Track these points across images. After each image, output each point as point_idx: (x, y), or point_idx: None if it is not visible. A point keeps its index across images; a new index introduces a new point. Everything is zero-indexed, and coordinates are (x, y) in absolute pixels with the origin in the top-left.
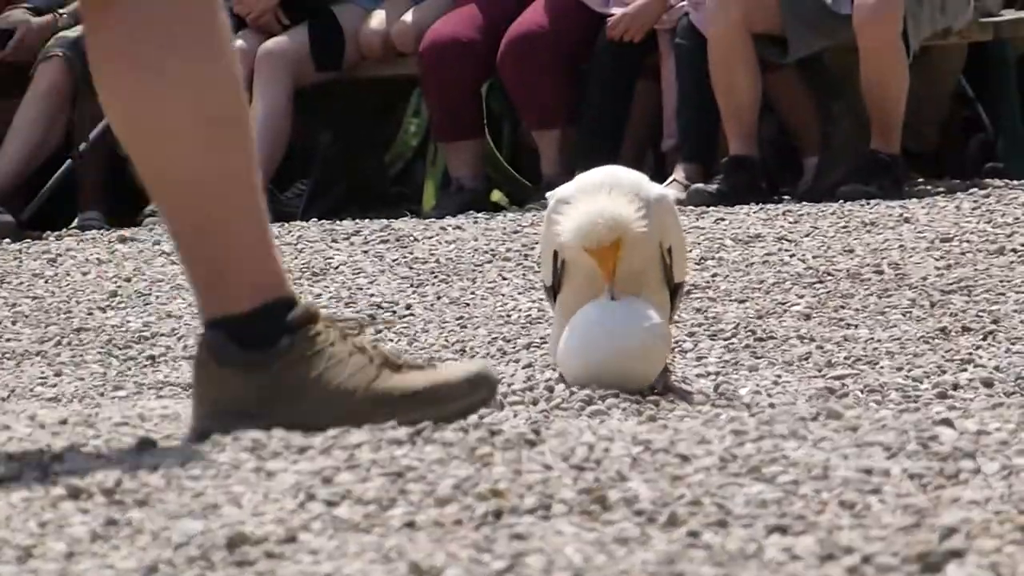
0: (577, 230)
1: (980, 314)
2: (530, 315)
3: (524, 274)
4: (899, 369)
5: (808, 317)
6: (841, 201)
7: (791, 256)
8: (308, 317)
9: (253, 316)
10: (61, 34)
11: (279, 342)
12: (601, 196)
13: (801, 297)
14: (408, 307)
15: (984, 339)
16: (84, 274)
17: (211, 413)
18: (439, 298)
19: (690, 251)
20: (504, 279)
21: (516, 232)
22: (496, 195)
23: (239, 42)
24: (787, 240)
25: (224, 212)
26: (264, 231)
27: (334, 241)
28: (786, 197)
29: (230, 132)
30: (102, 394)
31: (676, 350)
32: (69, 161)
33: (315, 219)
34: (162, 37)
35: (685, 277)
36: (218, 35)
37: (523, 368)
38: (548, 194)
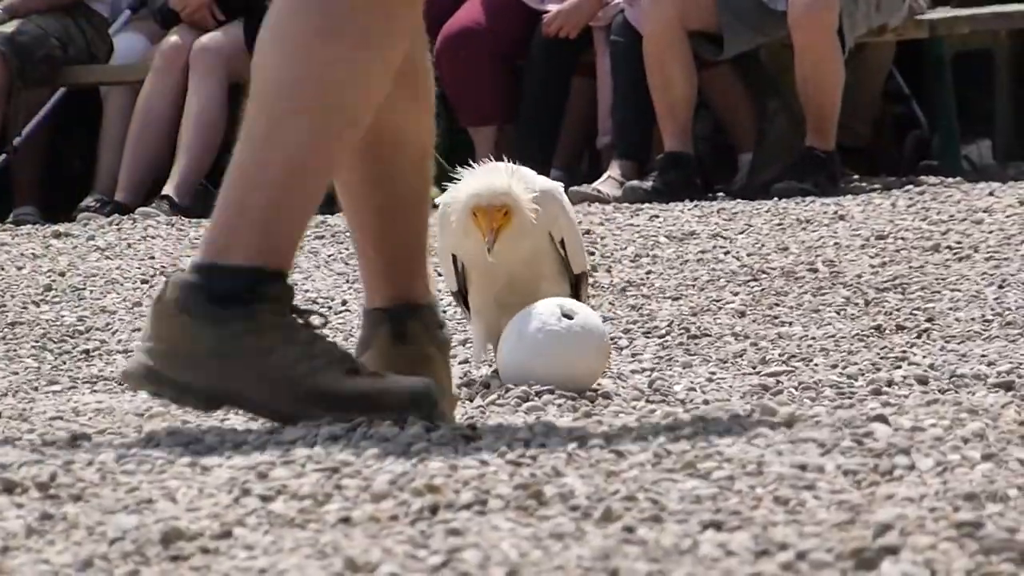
0: (468, 189)
1: (915, 312)
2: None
3: None
4: (834, 366)
5: (743, 314)
6: (776, 198)
7: (726, 253)
8: (287, 297)
9: (239, 272)
10: None
11: (251, 306)
12: (495, 172)
13: (736, 294)
14: (344, 303)
15: (918, 337)
16: (19, 268)
17: (155, 351)
18: None
19: (625, 249)
20: (440, 275)
21: None
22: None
23: (173, 38)
24: (722, 237)
25: (276, 170)
26: (296, 206)
27: None
28: (721, 194)
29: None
30: (36, 388)
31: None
32: (3, 156)
33: None
34: None
35: (585, 268)
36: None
37: (459, 364)
38: (437, 199)
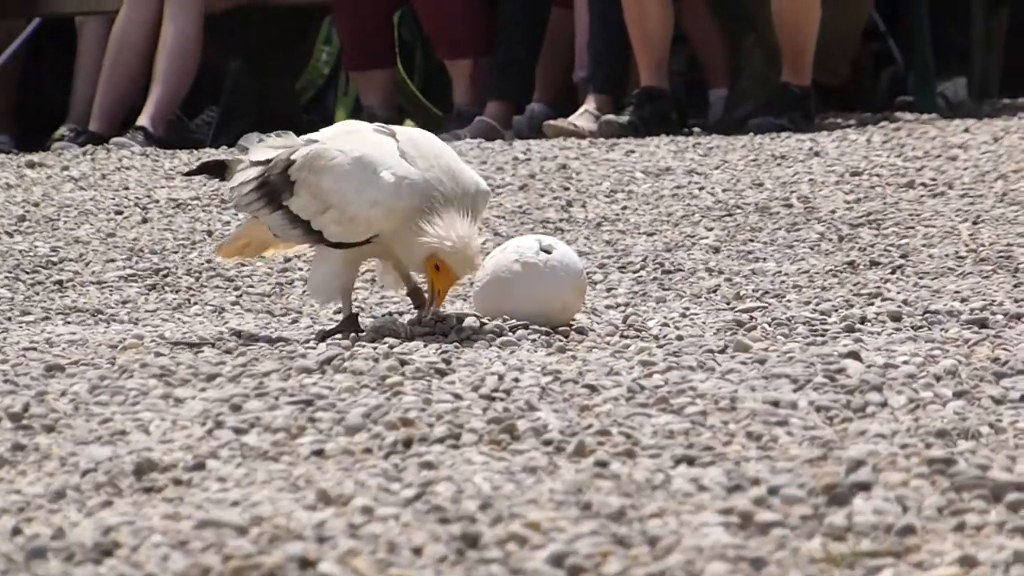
0: (462, 251)
1: (889, 248)
2: None
3: None
4: (807, 303)
5: (717, 250)
6: (751, 134)
7: (700, 189)
8: None
9: None
10: None
11: None
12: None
13: (710, 230)
14: None
15: (892, 273)
16: None
17: None
18: None
19: (600, 184)
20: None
21: None
22: (407, 124)
23: None
24: (697, 173)
25: None
26: None
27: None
28: (696, 130)
29: None
30: (9, 319)
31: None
32: None
33: (224, 146)
34: None
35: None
36: None
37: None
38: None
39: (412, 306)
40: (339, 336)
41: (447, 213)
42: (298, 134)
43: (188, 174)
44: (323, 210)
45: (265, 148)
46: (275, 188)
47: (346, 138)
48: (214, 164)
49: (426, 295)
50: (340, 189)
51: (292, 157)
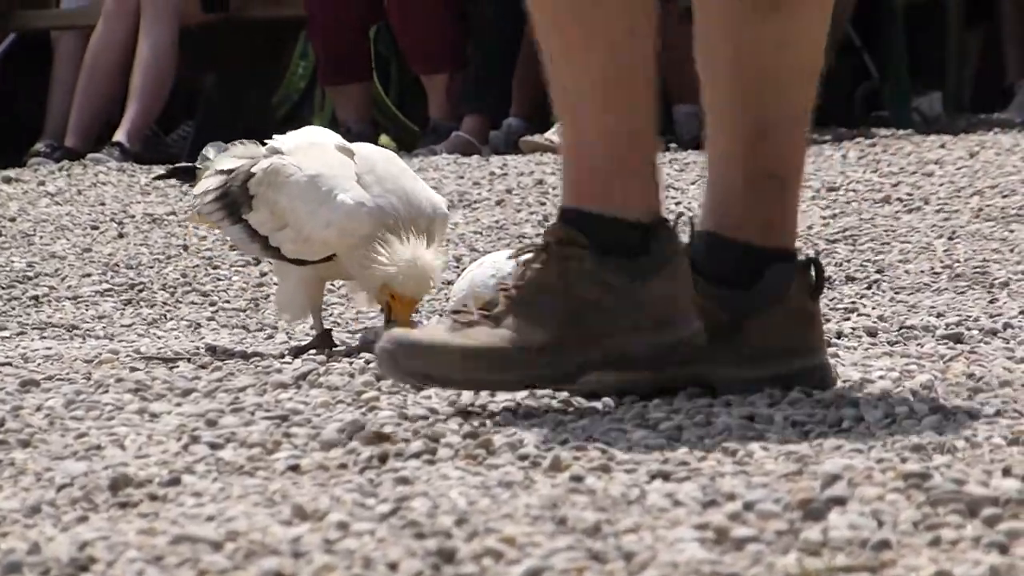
0: (415, 272)
1: (865, 263)
2: None
3: None
4: None
5: None
6: None
7: (677, 204)
8: None
9: None
10: None
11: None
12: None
13: None
14: None
15: (868, 288)
16: None
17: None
18: None
19: None
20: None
21: None
22: (383, 139)
23: None
24: (673, 188)
25: None
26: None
27: None
28: (672, 145)
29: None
30: None
31: None
32: None
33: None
34: None
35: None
36: None
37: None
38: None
39: (384, 321)
40: (313, 351)
41: (396, 239)
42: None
43: (158, 177)
44: (280, 227)
45: (229, 157)
46: (235, 200)
47: (307, 152)
48: (184, 169)
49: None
50: (295, 208)
51: (252, 170)
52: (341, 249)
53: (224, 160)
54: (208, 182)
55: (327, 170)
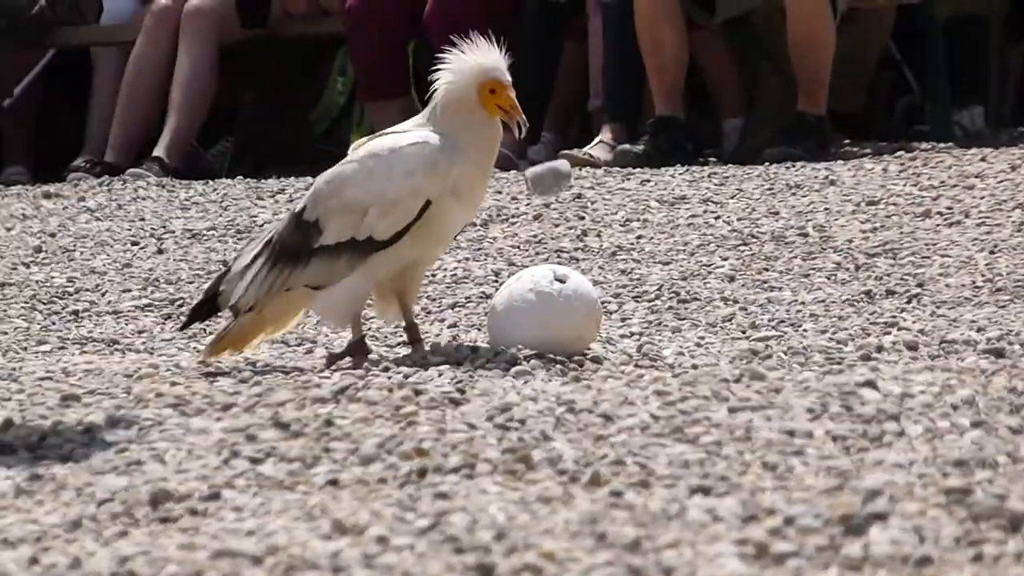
0: (474, 64)
1: (905, 277)
2: (455, 275)
3: None
4: (823, 332)
5: (732, 279)
6: (767, 163)
7: (716, 218)
8: None
9: None
10: None
11: None
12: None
13: (725, 259)
14: None
15: (909, 302)
16: (8, 229)
17: None
18: None
19: (615, 213)
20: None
21: None
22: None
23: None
24: (712, 202)
25: None
26: None
27: (259, 199)
28: (712, 159)
29: None
30: (25, 348)
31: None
32: None
33: (240, 177)
34: None
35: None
36: None
37: (448, 328)
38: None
39: (407, 340)
40: (351, 364)
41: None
42: (313, 164)
43: (182, 328)
44: (362, 216)
45: (245, 254)
46: (296, 246)
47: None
48: (203, 304)
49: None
50: (369, 188)
51: (298, 208)
52: (434, 188)
53: (242, 259)
54: (247, 276)
55: (372, 145)
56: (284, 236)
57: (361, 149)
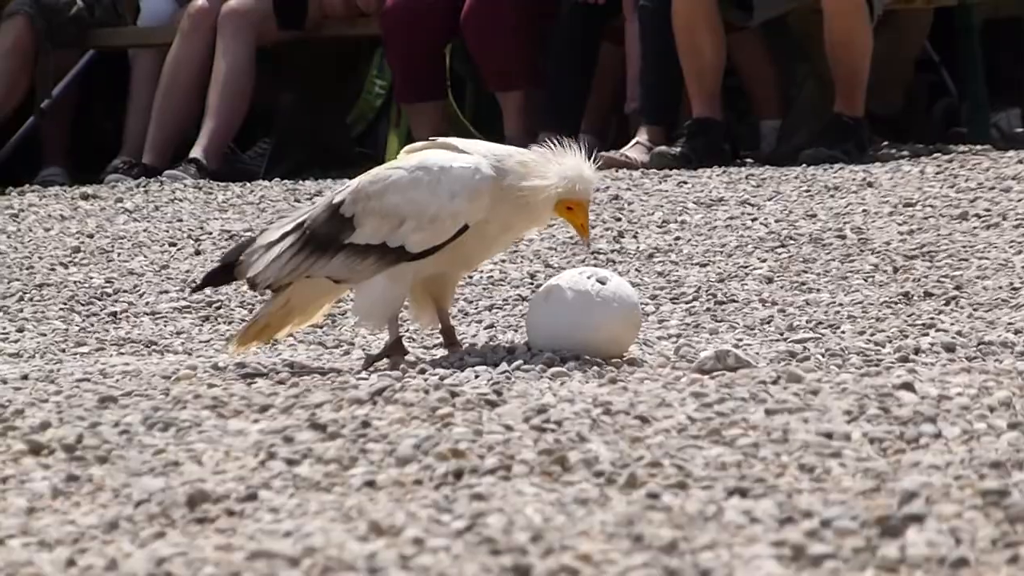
0: (573, 175)
1: (943, 279)
2: (492, 276)
3: None
4: (861, 333)
5: (770, 281)
6: (804, 165)
7: (753, 220)
8: None
9: None
10: None
11: None
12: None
13: (763, 261)
14: None
15: (946, 304)
16: (46, 230)
17: None
18: None
19: (652, 214)
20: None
21: None
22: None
23: (201, 1)
24: (750, 204)
25: None
26: None
27: (296, 201)
28: (749, 160)
29: None
30: (63, 350)
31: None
32: (32, 118)
33: (277, 179)
34: None
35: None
36: None
37: (485, 329)
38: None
39: (443, 343)
40: (388, 366)
41: (538, 160)
42: (350, 166)
43: (196, 290)
44: (398, 225)
45: (273, 229)
46: (327, 236)
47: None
48: (221, 270)
49: (458, 335)
50: (412, 198)
51: (335, 200)
52: (474, 215)
53: (269, 233)
54: (271, 252)
55: (426, 157)
56: (317, 224)
57: (415, 156)
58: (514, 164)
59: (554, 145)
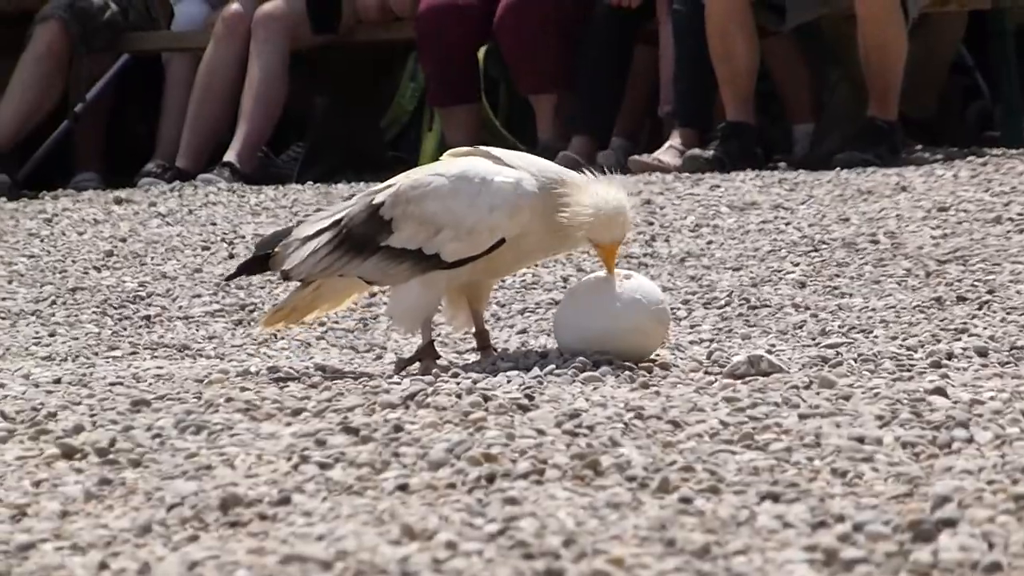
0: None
1: (976, 283)
2: (524, 280)
3: None
4: (893, 338)
5: (803, 285)
6: (837, 169)
7: (787, 224)
8: None
9: None
10: None
11: None
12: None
13: (796, 265)
14: None
15: (979, 308)
16: (80, 234)
17: None
18: None
19: (685, 218)
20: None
21: None
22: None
23: (235, 5)
24: (783, 208)
25: None
26: None
27: (329, 204)
28: (782, 164)
29: None
30: (96, 354)
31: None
32: (66, 122)
33: (310, 182)
34: None
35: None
36: None
37: (517, 333)
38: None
39: (476, 346)
40: (420, 370)
41: (577, 188)
42: (383, 170)
43: (229, 279)
44: (435, 233)
45: (311, 223)
46: (364, 236)
47: (426, 168)
48: (255, 260)
49: (491, 339)
50: (451, 208)
51: (375, 201)
52: (512, 229)
53: (306, 226)
54: (307, 246)
55: (468, 166)
56: (355, 223)
57: (457, 163)
58: (559, 184)
59: (605, 176)
